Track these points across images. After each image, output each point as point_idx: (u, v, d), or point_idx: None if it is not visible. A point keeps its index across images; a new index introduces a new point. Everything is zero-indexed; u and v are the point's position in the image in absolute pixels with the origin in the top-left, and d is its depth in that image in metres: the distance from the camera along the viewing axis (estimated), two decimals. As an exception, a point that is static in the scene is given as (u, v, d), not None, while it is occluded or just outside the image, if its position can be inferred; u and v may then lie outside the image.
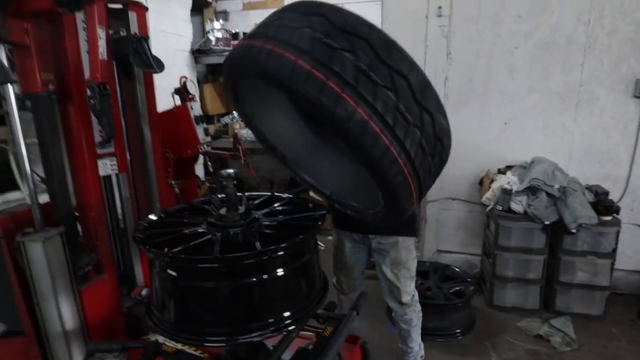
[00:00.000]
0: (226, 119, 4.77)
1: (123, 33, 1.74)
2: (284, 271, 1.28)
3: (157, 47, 3.78)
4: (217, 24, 4.56)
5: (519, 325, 2.90)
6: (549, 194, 2.77)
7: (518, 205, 2.87)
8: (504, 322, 2.97)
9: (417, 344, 2.34)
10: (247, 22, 4.84)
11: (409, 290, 2.17)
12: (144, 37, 1.67)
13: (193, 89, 2.32)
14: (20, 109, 1.52)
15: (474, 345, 2.72)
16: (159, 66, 1.67)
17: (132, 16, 1.80)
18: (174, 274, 1.23)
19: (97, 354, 1.53)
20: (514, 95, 3.11)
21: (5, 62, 1.44)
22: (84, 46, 1.65)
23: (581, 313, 2.96)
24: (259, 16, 4.79)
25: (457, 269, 3.17)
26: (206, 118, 4.45)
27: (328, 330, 1.60)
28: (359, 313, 1.64)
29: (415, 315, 2.26)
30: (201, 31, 4.84)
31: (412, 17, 3.16)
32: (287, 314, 1.29)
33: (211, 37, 4.43)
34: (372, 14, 3.96)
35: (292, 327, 1.30)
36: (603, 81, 2.94)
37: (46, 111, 1.57)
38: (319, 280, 1.49)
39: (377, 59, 1.04)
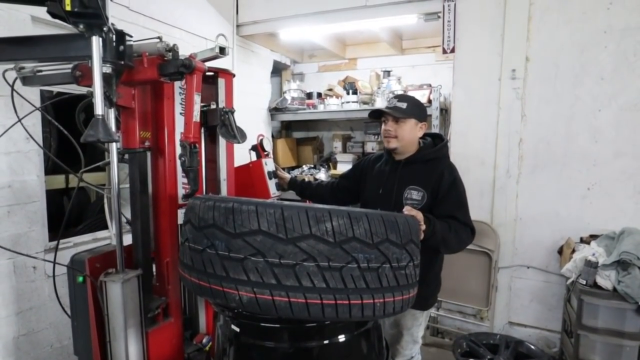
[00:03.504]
0: (296, 172, 4.99)
1: (213, 106, 1.94)
2: (345, 337, 1.26)
3: (240, 104, 4.11)
4: (293, 85, 4.91)
5: (610, 423, 2.49)
6: (643, 271, 2.45)
7: (605, 280, 2.57)
8: (590, 416, 2.58)
9: None
10: (321, 82, 5.14)
11: (407, 353, 2.08)
12: (230, 111, 1.85)
13: (268, 146, 2.47)
14: (119, 161, 1.73)
15: None
16: (242, 137, 1.83)
17: (221, 82, 2.01)
18: (236, 329, 1.26)
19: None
20: (598, 159, 2.89)
21: (113, 121, 1.67)
22: (178, 109, 1.88)
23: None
24: (333, 77, 5.10)
25: (532, 347, 2.86)
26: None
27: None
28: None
29: None
30: (279, 91, 5.23)
31: (484, 80, 3.14)
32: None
33: (287, 97, 4.76)
34: (443, 78, 4.05)
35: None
36: None
37: (140, 164, 1.76)
38: (379, 348, 1.43)
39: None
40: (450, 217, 1.81)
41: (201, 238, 1.13)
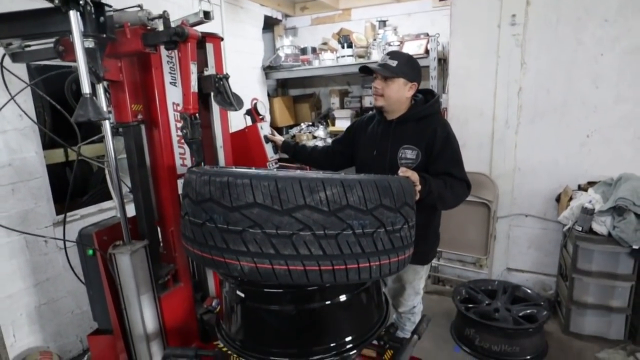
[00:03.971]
0: (294, 130, 4.95)
1: (207, 72, 1.89)
2: (346, 297, 1.32)
3: (232, 64, 4.04)
4: (286, 41, 4.75)
5: (599, 357, 2.65)
6: (638, 215, 2.50)
7: (601, 226, 2.63)
8: (581, 351, 2.74)
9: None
10: (315, 36, 4.97)
11: (410, 304, 2.19)
12: (225, 77, 1.80)
13: (263, 110, 2.44)
14: (114, 134, 1.73)
15: (545, 376, 2.56)
16: (239, 103, 1.79)
17: (209, 47, 1.96)
18: (242, 295, 1.32)
19: (172, 358, 1.69)
20: (599, 105, 2.85)
21: (103, 96, 1.65)
22: (167, 78, 1.84)
23: (676, 349, 2.64)
24: (327, 30, 4.91)
25: (529, 290, 2.98)
26: (275, 130, 4.67)
27: (388, 354, 1.61)
28: (420, 337, 1.63)
29: (409, 323, 2.25)
30: (272, 47, 5.06)
31: (483, 27, 3.03)
32: (348, 338, 1.33)
33: (281, 54, 4.62)
34: (441, 25, 3.90)
35: (353, 351, 1.34)
36: None
37: (135, 138, 1.76)
38: (380, 303, 1.51)
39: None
40: (446, 173, 1.82)
41: (200, 212, 1.16)
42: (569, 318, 2.86)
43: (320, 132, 4.85)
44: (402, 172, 1.59)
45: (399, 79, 1.91)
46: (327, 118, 5.15)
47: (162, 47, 1.69)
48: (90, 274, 1.88)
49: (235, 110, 1.77)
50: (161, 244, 1.99)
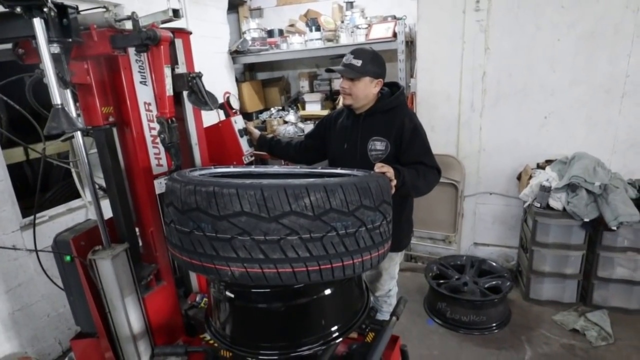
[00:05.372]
0: (264, 116, 4.90)
1: (177, 69, 1.85)
2: (330, 290, 1.39)
3: (197, 51, 3.89)
4: (252, 24, 4.63)
5: (555, 319, 2.91)
6: (589, 191, 2.72)
7: (557, 202, 2.84)
8: (540, 315, 3.00)
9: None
10: (281, 17, 4.87)
11: (386, 288, 2.32)
12: (198, 75, 1.77)
13: (236, 103, 2.42)
14: (85, 136, 1.69)
15: (509, 339, 2.78)
16: (214, 102, 1.77)
17: (178, 43, 1.92)
18: (231, 295, 1.37)
19: (162, 356, 1.73)
20: (555, 88, 3.02)
21: (71, 100, 1.60)
22: (137, 78, 1.80)
23: (619, 307, 2.94)
24: (293, 11, 4.83)
25: (493, 264, 3.20)
26: (245, 115, 4.60)
27: (370, 336, 1.72)
28: (399, 318, 1.75)
29: (385, 306, 2.39)
30: (237, 30, 4.94)
31: (448, 13, 3.10)
32: (334, 327, 1.41)
33: (247, 38, 4.52)
34: (408, 7, 3.92)
35: (340, 339, 1.42)
36: (652, 71, 2.80)
37: (107, 141, 1.73)
38: (361, 292, 1.60)
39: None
40: (417, 162, 1.91)
41: (187, 221, 1.18)
42: (529, 286, 3.11)
43: (291, 116, 4.82)
44: (378, 167, 1.66)
45: (365, 77, 1.95)
46: (297, 102, 5.12)
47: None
48: (69, 280, 1.86)
49: (211, 109, 1.75)
50: (140, 245, 1.99)
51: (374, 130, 1.99)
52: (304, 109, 4.91)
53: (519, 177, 3.26)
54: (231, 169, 1.83)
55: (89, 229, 1.86)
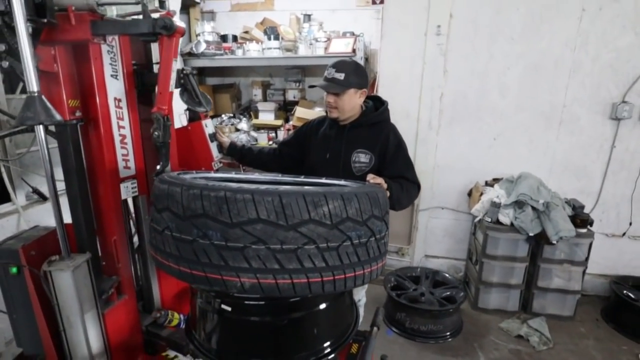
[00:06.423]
0: (215, 122, 4.71)
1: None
2: (326, 304, 1.35)
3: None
4: (207, 27, 4.48)
5: (501, 326, 3.12)
6: (534, 208, 2.98)
7: (505, 217, 3.07)
8: (487, 323, 3.19)
9: None
10: (235, 23, 4.77)
11: (356, 297, 2.35)
12: (192, 72, 1.66)
13: (209, 104, 2.30)
14: (46, 132, 1.49)
15: (463, 347, 2.92)
16: (207, 103, 1.66)
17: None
18: (227, 308, 1.27)
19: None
20: (504, 112, 3.30)
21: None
22: (108, 70, 1.63)
23: (554, 314, 3.23)
24: (247, 18, 4.75)
25: (447, 275, 3.35)
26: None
27: (354, 348, 1.70)
28: (380, 328, 1.75)
29: None
30: (187, 30, 4.74)
31: (411, 34, 3.26)
32: (327, 343, 1.37)
33: (201, 40, 4.35)
34: (363, 24, 4.06)
35: (331, 355, 1.38)
36: (584, 103, 3.17)
37: (72, 139, 1.54)
38: (353, 304, 1.57)
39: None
40: (400, 177, 1.95)
41: (189, 228, 1.08)
42: (478, 296, 3.30)
43: (244, 124, 4.71)
44: (372, 178, 1.67)
45: (349, 89, 1.96)
46: (249, 110, 5.02)
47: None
48: (13, 295, 1.61)
49: (205, 111, 1.65)
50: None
51: (359, 143, 2.00)
52: (256, 117, 4.81)
53: (469, 193, 3.48)
54: (213, 175, 1.72)
55: (39, 237, 1.63)
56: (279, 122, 4.23)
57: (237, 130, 4.68)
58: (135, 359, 1.89)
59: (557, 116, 3.23)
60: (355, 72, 1.99)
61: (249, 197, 1.04)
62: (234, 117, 4.88)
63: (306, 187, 1.11)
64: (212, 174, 1.69)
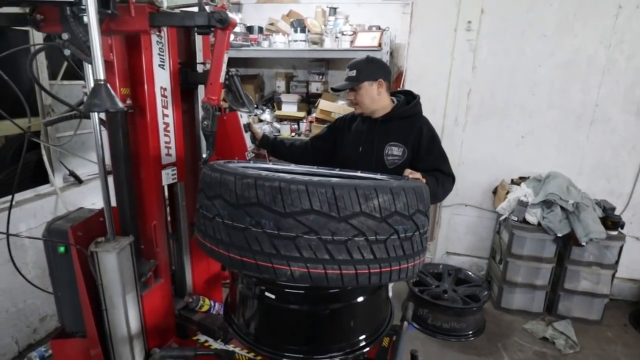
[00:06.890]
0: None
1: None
2: (364, 297, 1.38)
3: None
4: (234, 18, 4.49)
5: (526, 328, 3.11)
6: (563, 208, 2.95)
7: (532, 217, 3.05)
8: (511, 324, 3.18)
9: None
10: (260, 15, 4.79)
11: None
12: (236, 74, 1.69)
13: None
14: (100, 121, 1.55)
15: (486, 346, 2.91)
16: (250, 104, 1.70)
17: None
18: (270, 295, 1.31)
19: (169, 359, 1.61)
20: (533, 110, 3.26)
21: (92, 78, 1.45)
22: (156, 60, 1.68)
23: (580, 317, 3.20)
24: (273, 10, 4.76)
25: (469, 273, 3.35)
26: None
27: (385, 341, 1.72)
28: (410, 323, 1.77)
29: None
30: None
31: (441, 30, 3.23)
32: (362, 337, 1.39)
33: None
34: (388, 19, 4.03)
35: (366, 349, 1.41)
36: (617, 102, 3.11)
37: (122, 125, 1.59)
38: (388, 299, 1.60)
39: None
40: (435, 170, 1.96)
41: (242, 216, 1.11)
42: (501, 295, 3.29)
43: (267, 115, 4.74)
44: (410, 173, 1.68)
45: (362, 83, 2.00)
46: (272, 101, 5.05)
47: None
48: (60, 273, 1.68)
49: (249, 112, 1.68)
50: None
51: (391, 136, 2.02)
52: (279, 109, 4.84)
53: (494, 191, 3.45)
54: (262, 165, 1.76)
55: (86, 218, 1.69)
56: (302, 114, 4.25)
57: (260, 121, 4.72)
58: (168, 342, 1.95)
59: (589, 115, 3.18)
60: (367, 66, 2.03)
61: (303, 188, 1.06)
62: (257, 107, 4.92)
63: (356, 180, 1.13)
64: (263, 164, 1.73)
